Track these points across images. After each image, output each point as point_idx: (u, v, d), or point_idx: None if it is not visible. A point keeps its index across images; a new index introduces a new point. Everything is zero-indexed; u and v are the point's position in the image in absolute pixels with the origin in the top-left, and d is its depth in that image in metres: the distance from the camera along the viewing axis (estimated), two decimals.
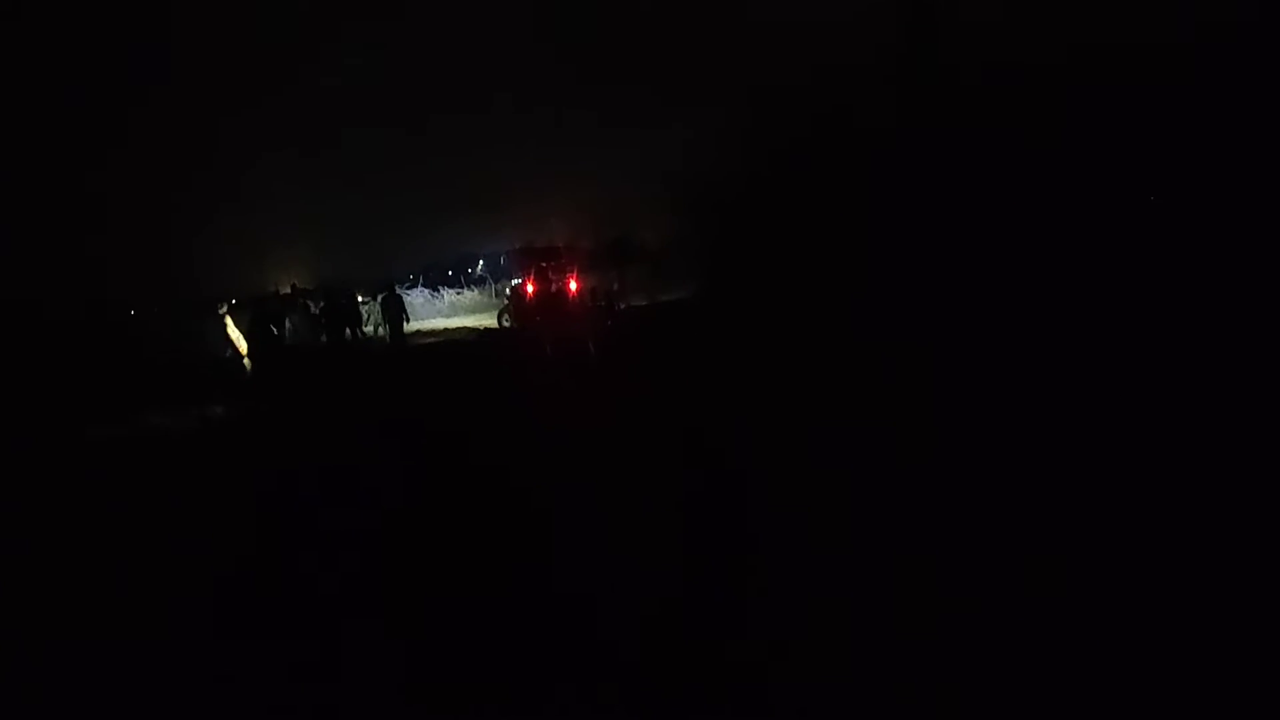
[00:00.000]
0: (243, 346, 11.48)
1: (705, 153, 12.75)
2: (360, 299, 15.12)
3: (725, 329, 10.25)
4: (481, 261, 20.11)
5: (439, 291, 19.73)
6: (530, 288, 15.02)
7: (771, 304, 10.30)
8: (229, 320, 11.67)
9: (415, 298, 18.39)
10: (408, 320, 14.90)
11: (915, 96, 10.96)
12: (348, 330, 13.70)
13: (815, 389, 6.35)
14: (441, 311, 19.13)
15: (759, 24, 14.27)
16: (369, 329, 14.91)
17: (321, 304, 14.13)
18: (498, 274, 19.01)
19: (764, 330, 9.30)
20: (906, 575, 3.19)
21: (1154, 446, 4.15)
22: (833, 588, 3.16)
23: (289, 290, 16.39)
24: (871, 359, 7.12)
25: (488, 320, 16.98)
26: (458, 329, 16.89)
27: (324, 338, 13.50)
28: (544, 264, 15.12)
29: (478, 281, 19.91)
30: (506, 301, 16.36)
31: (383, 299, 14.30)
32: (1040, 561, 3.17)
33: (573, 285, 14.61)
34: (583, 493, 4.80)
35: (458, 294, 19.72)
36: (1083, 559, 3.17)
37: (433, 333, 16.56)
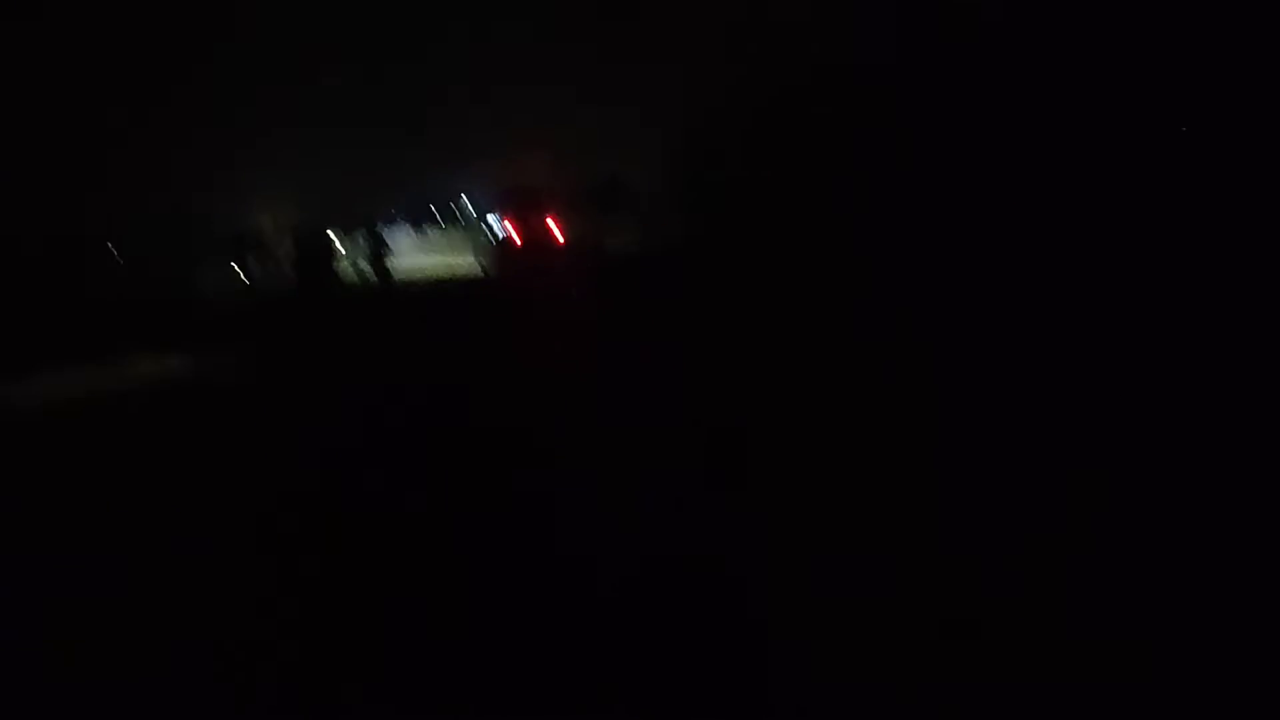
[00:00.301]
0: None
1: (705, 93, 12.46)
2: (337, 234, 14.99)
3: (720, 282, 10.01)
4: (464, 199, 19.82)
5: (421, 228, 19.51)
6: (511, 229, 14.86)
7: (772, 257, 10.05)
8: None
9: (396, 235, 18.17)
10: (389, 256, 14.80)
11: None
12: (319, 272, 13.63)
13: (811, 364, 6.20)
14: (421, 249, 18.94)
15: None
16: (348, 265, 14.78)
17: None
18: (480, 212, 18.75)
19: (761, 289, 9.07)
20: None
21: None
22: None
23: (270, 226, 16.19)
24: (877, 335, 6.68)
25: (467, 259, 16.82)
26: (438, 267, 16.75)
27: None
28: (526, 204, 14.91)
29: (458, 219, 19.66)
30: (487, 241, 16.17)
31: (364, 235, 14.19)
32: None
33: (554, 227, 14.44)
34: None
35: (438, 232, 19.51)
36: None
37: (412, 270, 16.44)
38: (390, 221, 19.11)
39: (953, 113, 9.69)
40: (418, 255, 18.10)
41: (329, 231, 14.48)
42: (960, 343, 6.22)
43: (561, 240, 14.20)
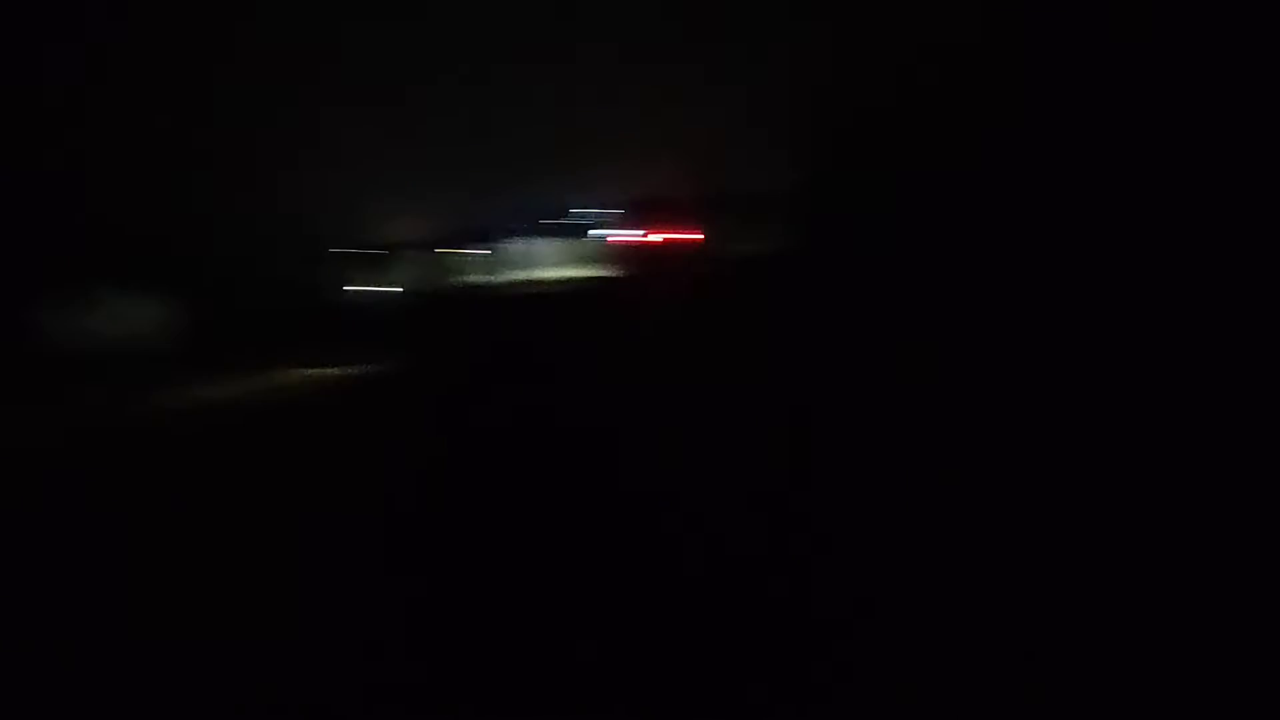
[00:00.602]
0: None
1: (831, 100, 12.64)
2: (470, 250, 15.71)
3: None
4: (587, 212, 20.44)
5: (546, 241, 20.22)
6: (636, 238, 15.34)
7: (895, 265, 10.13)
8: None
9: (536, 245, 18.90)
10: (518, 270, 15.45)
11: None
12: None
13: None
14: (548, 262, 19.63)
15: None
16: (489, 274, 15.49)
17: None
18: (603, 224, 19.33)
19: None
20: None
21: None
22: None
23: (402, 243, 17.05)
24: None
25: (591, 271, 17.36)
26: (565, 279, 17.36)
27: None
28: (649, 214, 15.39)
29: (583, 232, 20.29)
30: (609, 251, 16.71)
31: (505, 245, 14.88)
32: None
33: (677, 235, 14.86)
34: None
35: (563, 244, 20.16)
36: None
37: (542, 282, 17.08)
38: (528, 232, 19.92)
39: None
40: (554, 263, 18.79)
41: (473, 243, 15.27)
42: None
43: (694, 243, 14.62)
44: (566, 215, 20.89)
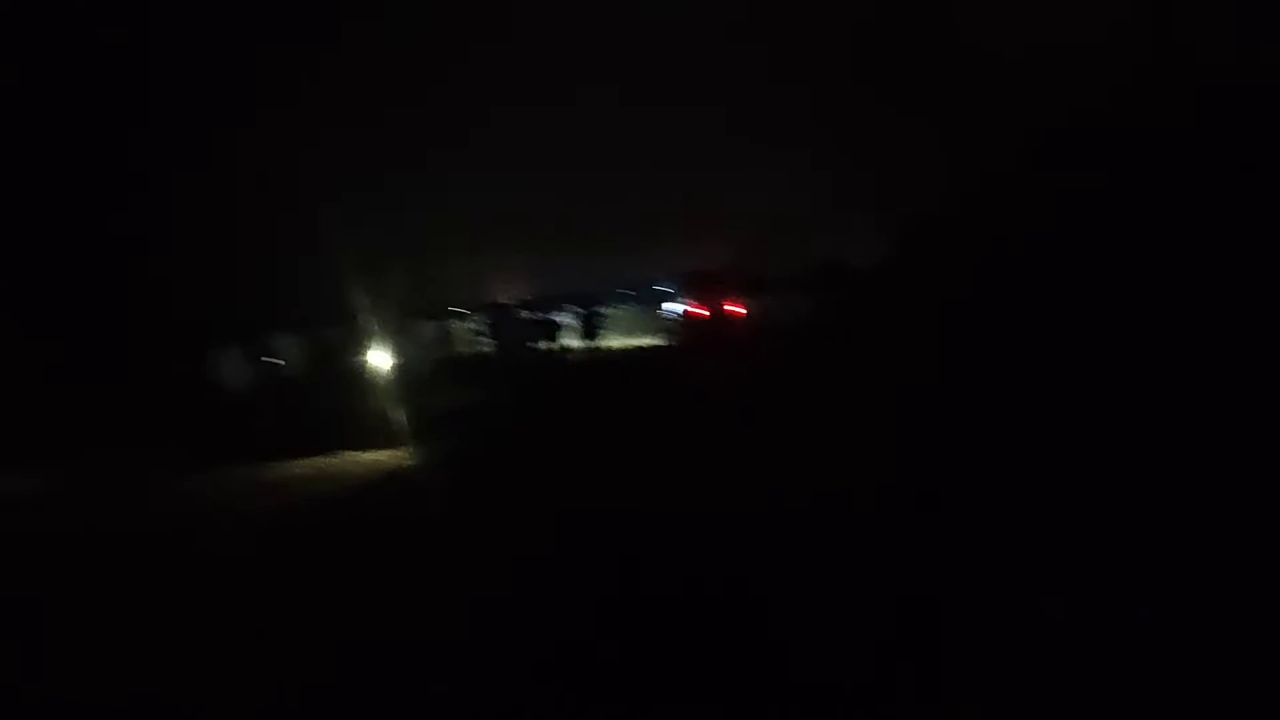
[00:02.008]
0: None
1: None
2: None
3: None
4: (659, 285, 23.45)
5: (620, 308, 23.46)
6: (697, 311, 18.33)
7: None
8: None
9: (601, 315, 22.19)
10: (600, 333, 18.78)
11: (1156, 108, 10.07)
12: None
13: None
14: (622, 326, 22.79)
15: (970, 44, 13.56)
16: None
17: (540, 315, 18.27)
18: (670, 294, 22.34)
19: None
20: None
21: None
22: None
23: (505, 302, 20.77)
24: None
25: (660, 335, 20.36)
26: (639, 347, 20.49)
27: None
28: (709, 286, 18.33)
29: (654, 302, 23.36)
30: (676, 319, 19.77)
31: (586, 315, 18.27)
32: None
33: (735, 309, 17.73)
34: None
35: (636, 311, 23.29)
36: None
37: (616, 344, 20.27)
38: (598, 303, 23.29)
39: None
40: (620, 332, 21.92)
41: (553, 312, 18.95)
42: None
43: (740, 315, 17.54)
44: (641, 287, 24.15)
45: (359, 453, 9.86)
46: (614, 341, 20.29)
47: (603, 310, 21.09)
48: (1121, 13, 11.09)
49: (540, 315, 18.53)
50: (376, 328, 13.49)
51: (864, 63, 16.29)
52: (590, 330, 18.26)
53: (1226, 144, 8.91)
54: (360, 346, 13.44)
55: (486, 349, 18.22)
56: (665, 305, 21.32)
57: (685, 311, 19.45)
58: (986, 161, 12.48)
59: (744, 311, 17.65)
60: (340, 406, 11.39)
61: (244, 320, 14.55)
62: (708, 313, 18.16)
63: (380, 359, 13.60)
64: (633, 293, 24.03)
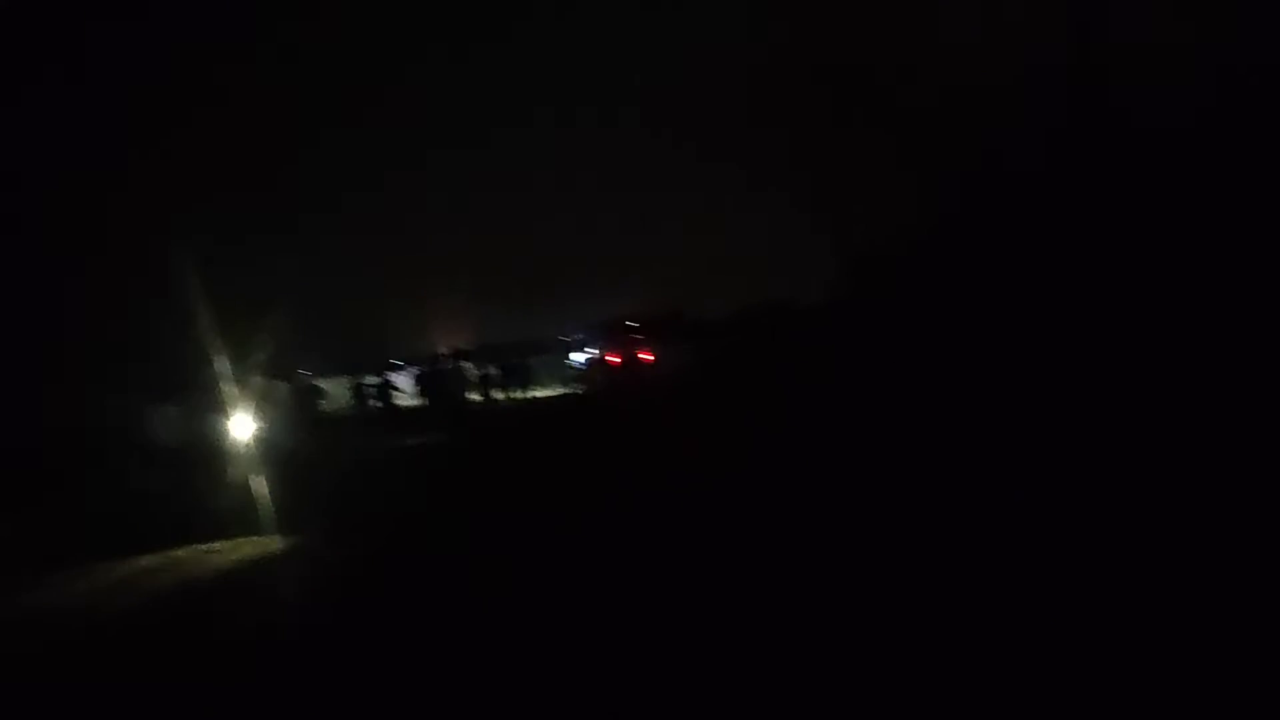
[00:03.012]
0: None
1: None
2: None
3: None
4: (581, 335, 22.86)
5: (539, 357, 22.85)
6: (609, 358, 17.75)
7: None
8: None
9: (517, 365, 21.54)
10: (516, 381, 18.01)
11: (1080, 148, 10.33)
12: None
13: None
14: (540, 375, 22.16)
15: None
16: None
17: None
18: (583, 345, 21.72)
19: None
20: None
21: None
22: None
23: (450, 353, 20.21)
24: None
25: (576, 382, 19.73)
26: (556, 388, 19.81)
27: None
28: (624, 335, 17.83)
29: (565, 351, 22.70)
30: (591, 367, 19.16)
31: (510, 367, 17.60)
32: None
33: (645, 356, 17.19)
34: None
35: (553, 361, 22.66)
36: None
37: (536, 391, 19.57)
38: (512, 355, 22.69)
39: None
40: (540, 380, 21.26)
41: (469, 364, 18.20)
42: None
43: (647, 361, 17.00)
44: (559, 337, 23.55)
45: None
46: (521, 393, 19.63)
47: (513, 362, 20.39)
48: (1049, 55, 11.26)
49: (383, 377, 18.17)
50: (237, 392, 12.33)
51: (803, 106, 16.68)
52: (509, 381, 17.52)
53: (1147, 181, 9.33)
54: (220, 414, 12.19)
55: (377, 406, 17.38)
56: (572, 355, 20.67)
57: (594, 360, 18.84)
58: (919, 206, 12.90)
59: (653, 358, 17.12)
60: (192, 484, 10.06)
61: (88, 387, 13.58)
62: (619, 360, 17.56)
63: (242, 428, 12.26)
64: (552, 340, 23.50)
